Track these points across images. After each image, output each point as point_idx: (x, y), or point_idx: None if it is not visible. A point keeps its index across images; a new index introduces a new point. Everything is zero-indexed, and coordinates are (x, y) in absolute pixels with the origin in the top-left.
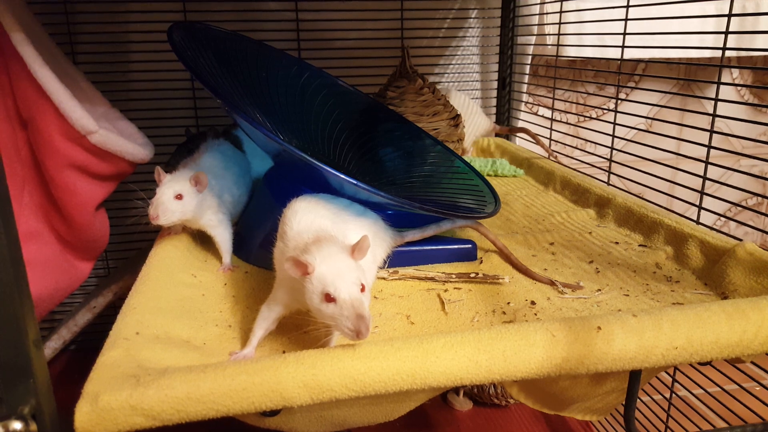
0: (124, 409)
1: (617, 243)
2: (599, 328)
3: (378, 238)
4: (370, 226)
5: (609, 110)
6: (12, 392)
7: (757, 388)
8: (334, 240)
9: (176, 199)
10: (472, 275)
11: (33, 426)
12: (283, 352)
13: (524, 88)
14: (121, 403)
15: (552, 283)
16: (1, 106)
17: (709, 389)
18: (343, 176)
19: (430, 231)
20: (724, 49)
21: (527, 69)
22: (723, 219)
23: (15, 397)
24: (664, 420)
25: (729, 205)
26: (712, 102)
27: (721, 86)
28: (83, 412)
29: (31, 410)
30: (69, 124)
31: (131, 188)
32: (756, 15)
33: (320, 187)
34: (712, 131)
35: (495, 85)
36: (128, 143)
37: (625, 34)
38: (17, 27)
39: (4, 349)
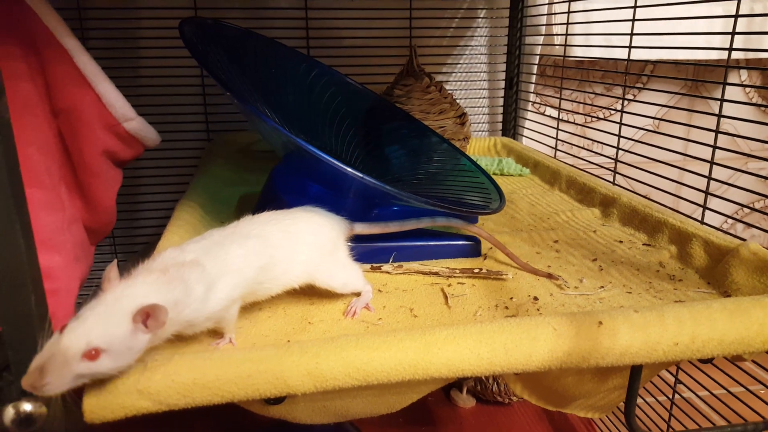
0: (131, 394)
1: (621, 242)
2: (600, 323)
3: (329, 219)
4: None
5: (616, 111)
6: (23, 374)
7: (762, 390)
8: (184, 277)
9: None
10: (476, 271)
11: (43, 408)
12: (288, 341)
13: (531, 88)
14: (128, 387)
15: (550, 276)
16: (39, 103)
17: (713, 390)
18: (349, 169)
19: (408, 225)
20: (730, 50)
21: (534, 69)
22: (730, 221)
23: None
24: (667, 420)
25: (737, 206)
26: (719, 103)
27: (730, 88)
28: (92, 395)
29: None
30: (108, 112)
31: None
32: (764, 16)
33: (326, 181)
34: (717, 132)
35: (502, 84)
36: (152, 129)
37: (632, 34)
38: (62, 25)
39: (15, 332)
